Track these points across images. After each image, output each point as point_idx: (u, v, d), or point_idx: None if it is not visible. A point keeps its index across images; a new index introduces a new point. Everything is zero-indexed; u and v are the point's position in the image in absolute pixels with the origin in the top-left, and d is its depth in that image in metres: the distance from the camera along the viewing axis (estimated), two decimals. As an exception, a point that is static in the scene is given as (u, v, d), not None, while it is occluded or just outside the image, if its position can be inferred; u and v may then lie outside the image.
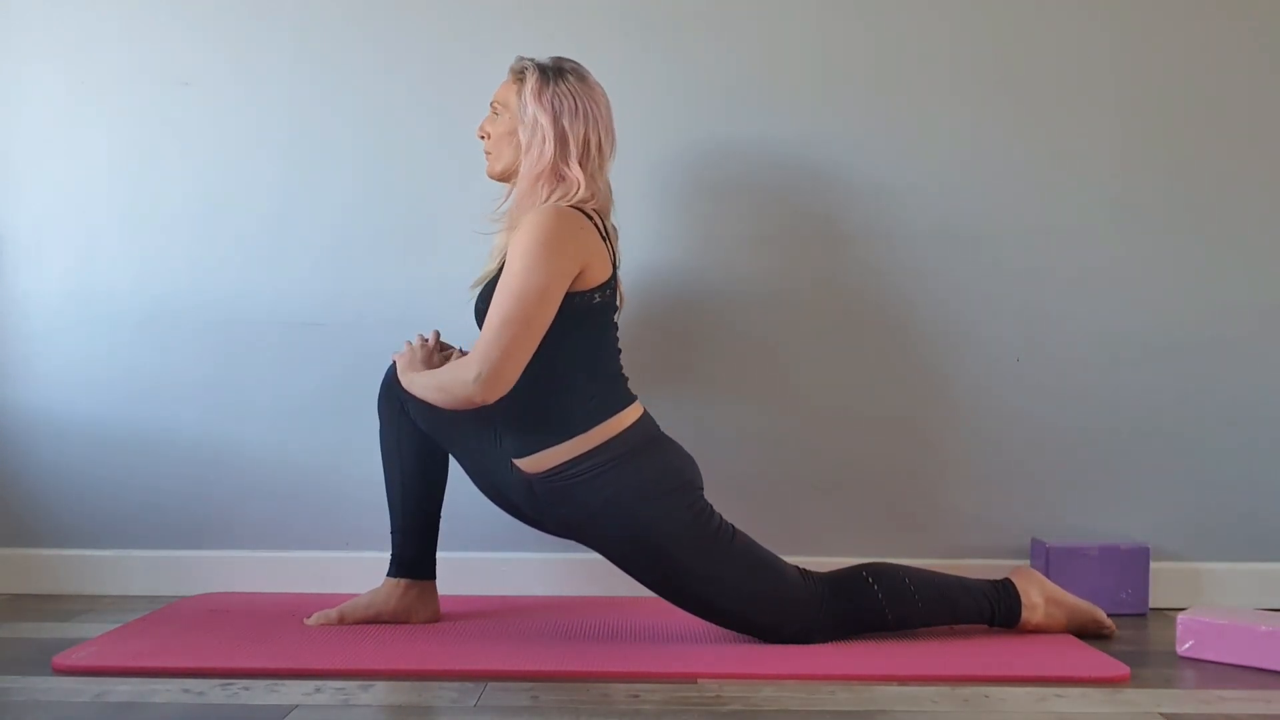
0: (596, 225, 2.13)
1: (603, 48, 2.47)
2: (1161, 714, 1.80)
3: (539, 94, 2.15)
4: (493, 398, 2.04)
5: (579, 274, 2.09)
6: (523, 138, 2.16)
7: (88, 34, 2.60)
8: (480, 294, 2.18)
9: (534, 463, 2.13)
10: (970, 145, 2.60)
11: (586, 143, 2.15)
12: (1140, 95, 2.60)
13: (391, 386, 2.28)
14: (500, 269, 2.12)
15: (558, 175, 2.14)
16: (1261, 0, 2.60)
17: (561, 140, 2.13)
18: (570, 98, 2.14)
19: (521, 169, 2.17)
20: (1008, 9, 2.60)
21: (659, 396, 2.38)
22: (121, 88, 2.60)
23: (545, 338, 2.06)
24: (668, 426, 2.22)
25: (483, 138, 2.25)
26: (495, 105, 2.23)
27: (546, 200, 2.12)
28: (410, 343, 2.26)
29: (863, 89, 2.60)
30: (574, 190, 2.13)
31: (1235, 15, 2.59)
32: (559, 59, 2.20)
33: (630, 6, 2.59)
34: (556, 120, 2.13)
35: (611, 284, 2.16)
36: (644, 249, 2.52)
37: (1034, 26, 2.60)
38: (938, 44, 2.60)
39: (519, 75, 2.19)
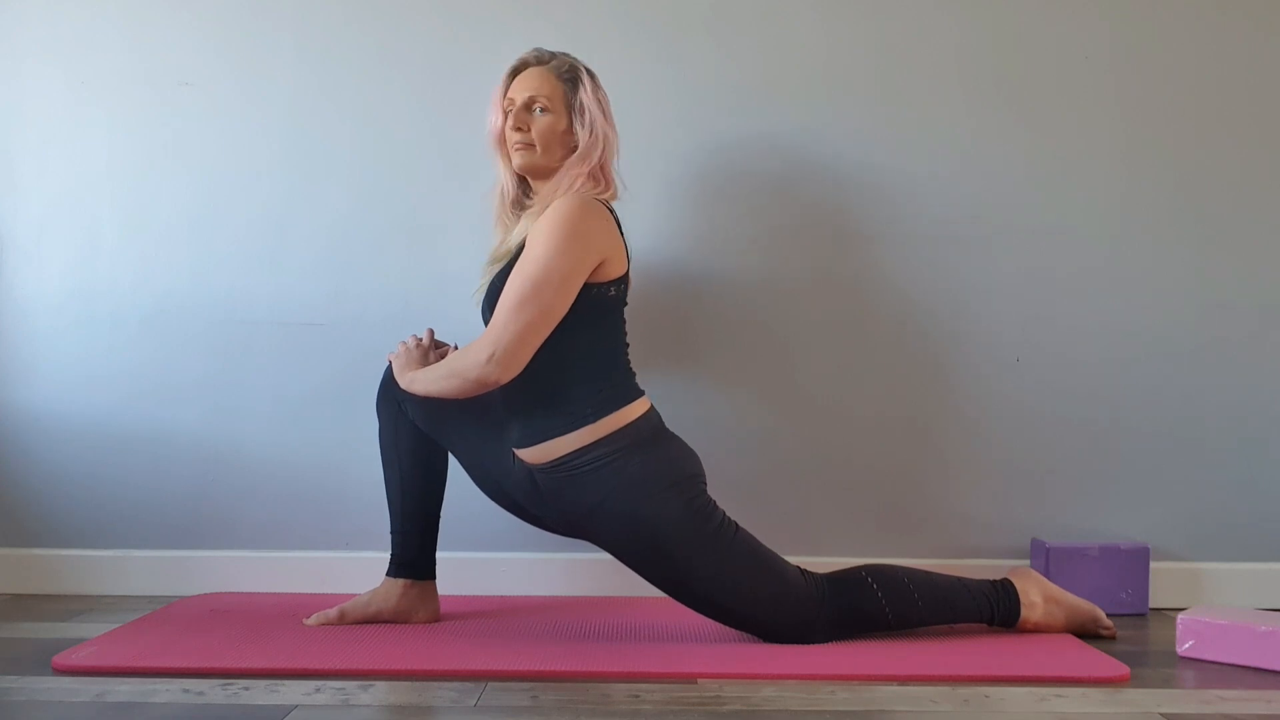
0: (616, 219, 2.16)
1: (606, 49, 2.47)
2: (1161, 714, 1.80)
3: (595, 95, 2.21)
4: (506, 378, 2.06)
5: (598, 265, 2.10)
6: (581, 137, 2.18)
7: (88, 34, 2.60)
8: (497, 274, 2.17)
9: (538, 453, 2.13)
10: (972, 146, 2.60)
11: (610, 141, 2.22)
12: (1141, 96, 2.60)
13: (389, 387, 2.28)
14: (519, 250, 2.13)
15: (601, 173, 2.20)
16: (1261, 1, 2.60)
17: (607, 139, 2.20)
18: (605, 99, 2.22)
19: (569, 165, 2.18)
20: (1010, 10, 2.60)
21: (660, 394, 2.37)
22: (121, 87, 2.60)
23: (557, 327, 2.07)
24: (669, 422, 2.22)
25: (521, 129, 2.19)
26: (540, 100, 2.18)
27: (578, 192, 2.15)
28: (404, 343, 2.26)
29: (867, 89, 2.60)
30: (604, 187, 2.19)
31: (1235, 16, 2.60)
32: (570, 56, 2.24)
33: (632, 7, 2.59)
34: (607, 119, 2.21)
35: (627, 278, 2.18)
36: (647, 247, 2.52)
37: (1036, 28, 2.60)
38: (941, 46, 2.60)
39: (566, 74, 2.21)
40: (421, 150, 2.60)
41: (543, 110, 2.20)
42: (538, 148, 2.19)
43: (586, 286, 2.10)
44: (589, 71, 2.22)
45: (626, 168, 2.32)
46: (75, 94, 2.61)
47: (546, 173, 2.21)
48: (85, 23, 2.60)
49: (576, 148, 2.19)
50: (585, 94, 2.19)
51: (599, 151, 2.18)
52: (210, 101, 2.60)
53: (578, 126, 2.19)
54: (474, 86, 2.53)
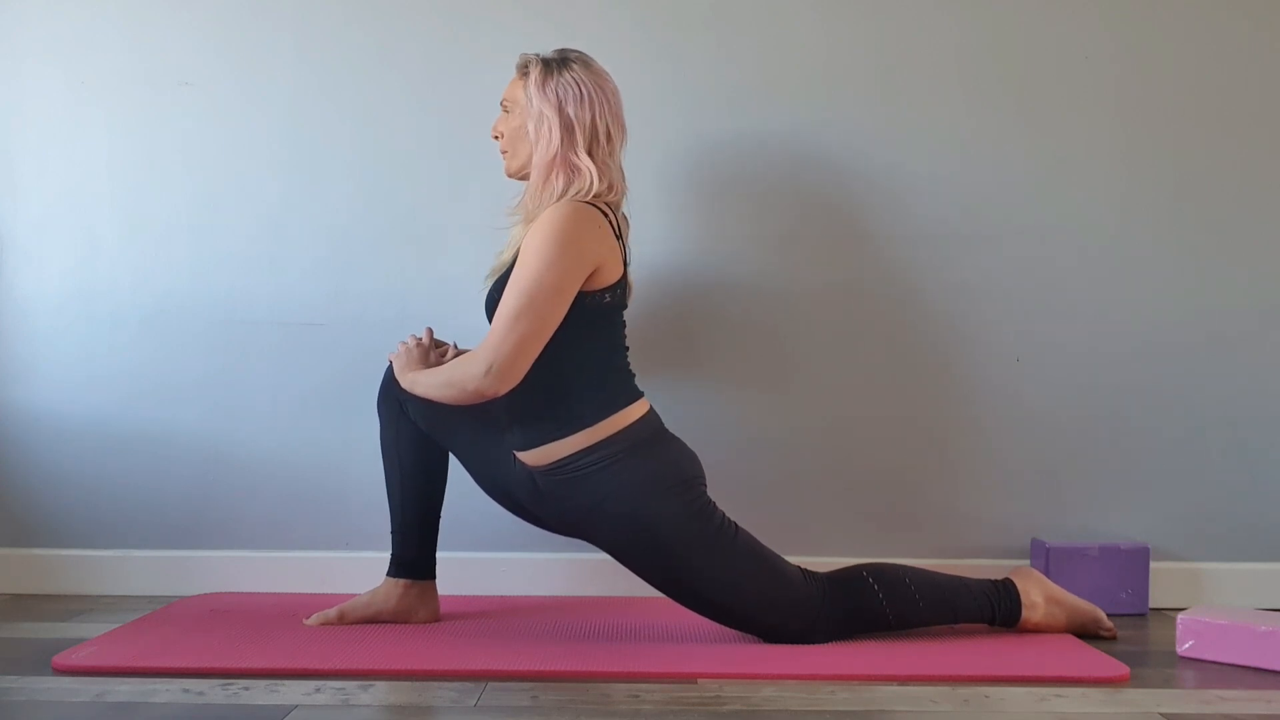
0: (611, 223, 2.14)
1: (606, 49, 2.46)
2: (1161, 714, 1.80)
3: (542, 85, 2.15)
4: (503, 390, 2.06)
5: (592, 273, 2.09)
6: (530, 130, 2.16)
7: (88, 34, 2.60)
8: (494, 285, 2.18)
9: (538, 455, 2.13)
10: (973, 146, 2.60)
11: (594, 130, 2.15)
12: (1141, 96, 2.60)
13: (390, 387, 2.28)
14: (514, 261, 2.12)
15: (569, 166, 2.14)
16: (1262, 1, 2.60)
17: (568, 129, 2.14)
18: (574, 86, 2.15)
19: (533, 160, 2.17)
20: (1010, 10, 2.60)
21: (661, 394, 2.37)
22: (121, 88, 2.60)
23: (555, 334, 2.07)
24: (669, 424, 2.22)
25: (497, 138, 2.26)
26: (505, 103, 2.23)
27: (563, 192, 2.13)
28: (404, 343, 2.26)
29: (867, 89, 2.59)
30: (588, 182, 2.13)
31: (1235, 16, 2.59)
32: (564, 50, 2.21)
33: (632, 7, 2.59)
34: (561, 109, 2.14)
35: (623, 283, 2.17)
36: (648, 247, 2.52)
37: (1036, 28, 2.60)
38: (941, 46, 2.59)
39: (523, 70, 2.20)
40: (421, 151, 2.59)
41: (506, 111, 2.23)
42: (508, 151, 2.23)
43: (581, 295, 2.09)
44: (549, 63, 2.17)
45: (630, 166, 2.31)
46: (75, 94, 2.60)
47: (526, 174, 2.21)
48: (85, 23, 2.60)
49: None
50: (531, 84, 2.16)
51: (553, 138, 2.12)
52: (210, 102, 2.60)
53: (527, 119, 2.17)
54: (474, 88, 2.53)
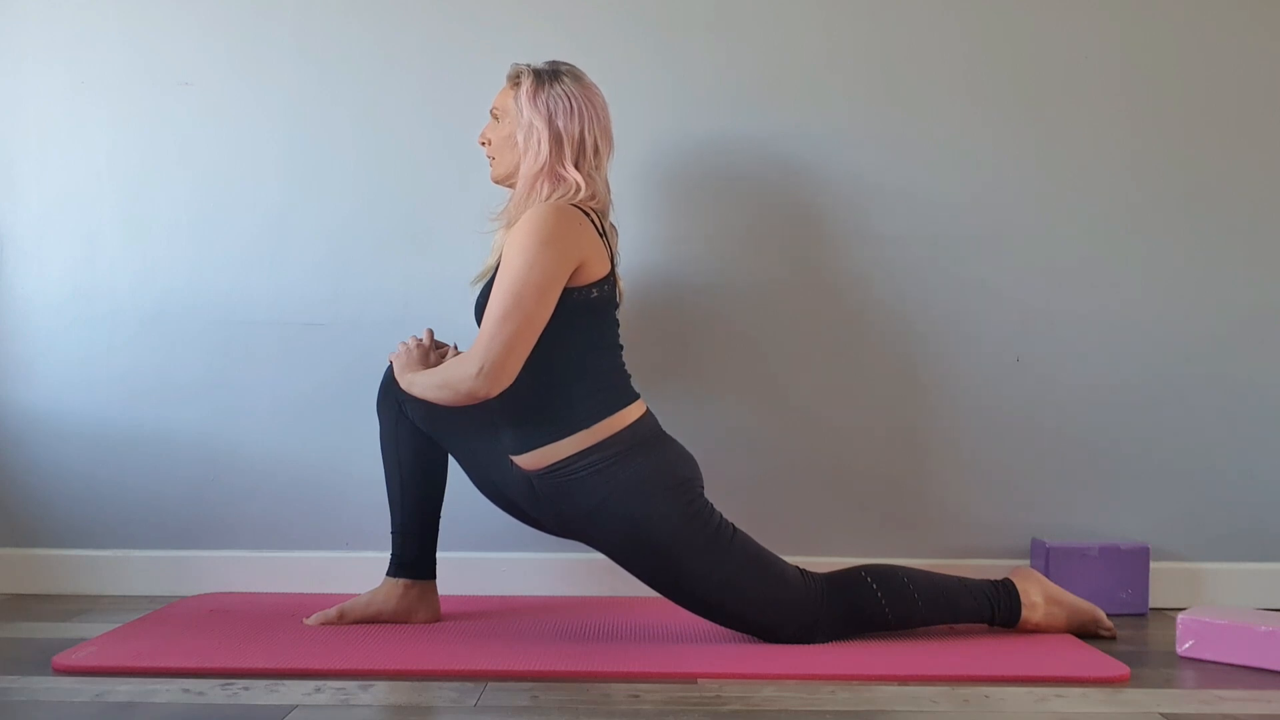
0: (594, 222, 2.14)
1: (602, 48, 2.48)
2: (1161, 714, 1.80)
3: (533, 97, 2.17)
4: (496, 390, 2.05)
5: (576, 269, 2.10)
6: (519, 140, 2.18)
7: (88, 34, 2.60)
8: (482, 290, 2.19)
9: (534, 459, 2.13)
10: (970, 145, 2.60)
11: (582, 143, 2.17)
12: (1143, 97, 2.60)
13: (389, 387, 2.28)
14: (499, 264, 2.12)
15: (555, 176, 2.16)
16: (1268, 4, 2.60)
17: (556, 141, 2.15)
18: (565, 99, 2.16)
19: (520, 170, 2.19)
20: (1011, 11, 2.60)
21: (657, 395, 2.38)
22: (121, 88, 2.60)
23: (545, 334, 2.07)
24: (666, 426, 2.22)
25: (484, 144, 2.27)
26: (494, 111, 2.25)
27: (546, 199, 2.14)
28: (404, 343, 2.26)
29: (863, 89, 2.60)
30: (573, 191, 2.15)
31: (1240, 18, 2.59)
32: (555, 62, 2.22)
33: (630, 7, 2.59)
34: (551, 121, 2.15)
35: (610, 280, 2.17)
36: (641, 248, 2.53)
37: (1036, 28, 2.60)
38: (939, 45, 2.59)
39: (514, 80, 2.22)
40: (423, 151, 2.60)
41: (495, 119, 2.24)
42: (495, 158, 2.25)
43: (567, 291, 2.09)
44: (540, 74, 2.18)
45: (625, 168, 2.31)
46: (75, 94, 2.60)
47: (511, 183, 2.23)
48: (85, 23, 2.60)
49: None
50: (523, 95, 2.18)
51: (542, 150, 2.14)
52: (211, 102, 2.60)
53: (517, 128, 2.19)
54: (475, 88, 2.53)
